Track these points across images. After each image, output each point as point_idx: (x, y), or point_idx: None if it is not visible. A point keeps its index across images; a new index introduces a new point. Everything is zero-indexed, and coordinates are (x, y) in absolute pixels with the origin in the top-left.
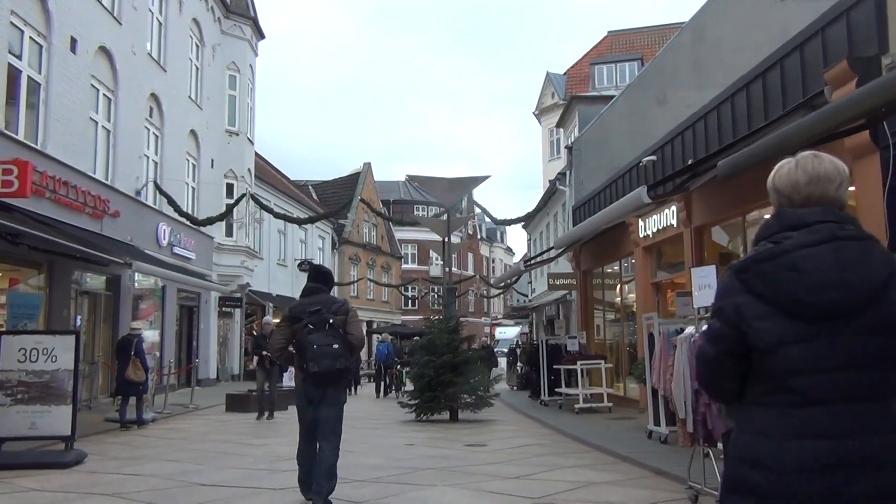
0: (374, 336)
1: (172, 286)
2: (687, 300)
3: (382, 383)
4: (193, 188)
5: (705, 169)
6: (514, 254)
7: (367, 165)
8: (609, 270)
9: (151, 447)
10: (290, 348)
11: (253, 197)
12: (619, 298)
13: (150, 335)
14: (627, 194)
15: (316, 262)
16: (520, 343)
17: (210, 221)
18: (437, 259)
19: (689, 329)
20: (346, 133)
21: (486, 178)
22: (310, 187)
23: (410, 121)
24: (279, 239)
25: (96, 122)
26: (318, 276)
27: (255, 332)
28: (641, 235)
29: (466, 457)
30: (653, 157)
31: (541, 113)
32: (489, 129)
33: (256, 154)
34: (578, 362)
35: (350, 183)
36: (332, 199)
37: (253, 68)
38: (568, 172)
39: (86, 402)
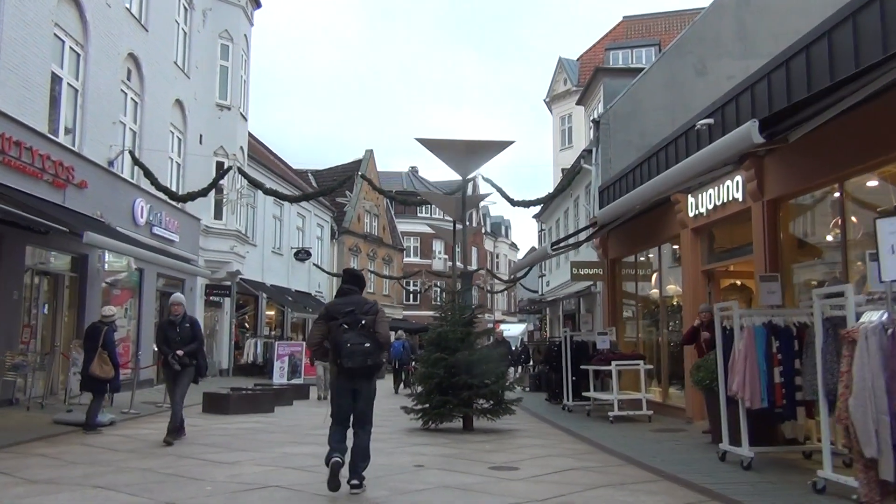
0: None
1: (151, 270)
2: (773, 286)
3: (400, 380)
4: (178, 164)
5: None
6: (518, 249)
7: (370, 153)
8: (642, 259)
9: (86, 463)
10: (325, 344)
11: (241, 170)
12: (655, 290)
13: (123, 324)
14: (728, 134)
15: (312, 250)
16: (524, 341)
17: (191, 197)
18: (440, 252)
19: (875, 316)
20: (345, 128)
21: (510, 143)
22: (309, 174)
23: (410, 115)
24: (274, 225)
25: (60, 79)
26: (352, 279)
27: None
28: (691, 215)
29: (496, 489)
30: (709, 120)
31: (552, 100)
32: (491, 124)
33: (252, 136)
34: (613, 362)
35: (352, 170)
36: (333, 194)
37: (248, 38)
38: (594, 150)
39: (39, 399)
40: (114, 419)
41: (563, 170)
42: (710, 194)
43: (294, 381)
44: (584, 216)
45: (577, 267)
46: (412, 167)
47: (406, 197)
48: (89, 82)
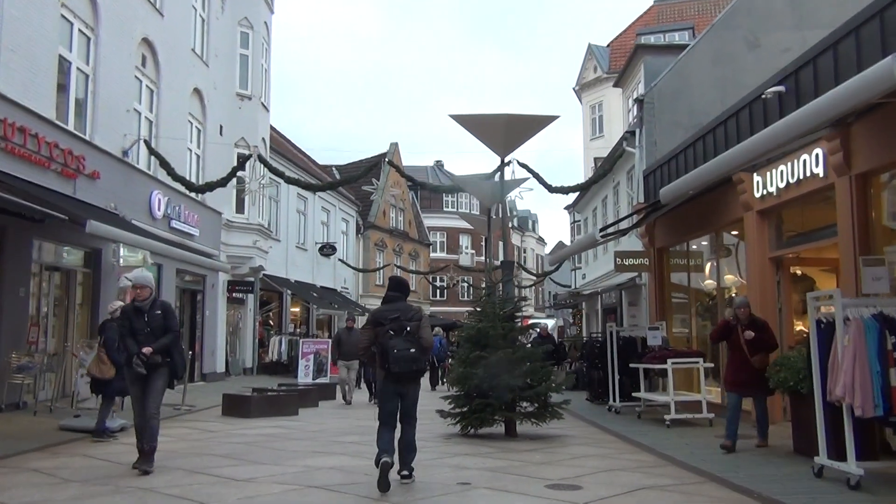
0: None
1: (170, 266)
2: (880, 271)
3: (437, 377)
4: (198, 156)
5: None
6: (545, 244)
7: (395, 146)
8: (694, 248)
9: (81, 481)
10: (373, 349)
11: (261, 158)
12: (710, 281)
13: None
14: (856, 76)
15: (337, 245)
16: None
17: (210, 187)
18: (467, 248)
19: None
20: (364, 125)
21: (554, 117)
22: (333, 169)
23: (430, 110)
24: (298, 220)
25: (69, 63)
26: (397, 287)
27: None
28: (757, 195)
29: None
30: (780, 88)
31: (582, 88)
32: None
33: (274, 129)
34: (669, 360)
35: (375, 170)
36: (358, 183)
37: (268, 26)
38: (637, 131)
39: (48, 403)
40: (125, 425)
41: (595, 159)
42: (782, 171)
43: (319, 381)
44: (626, 204)
45: (620, 257)
46: (437, 161)
47: (438, 185)
48: (101, 67)
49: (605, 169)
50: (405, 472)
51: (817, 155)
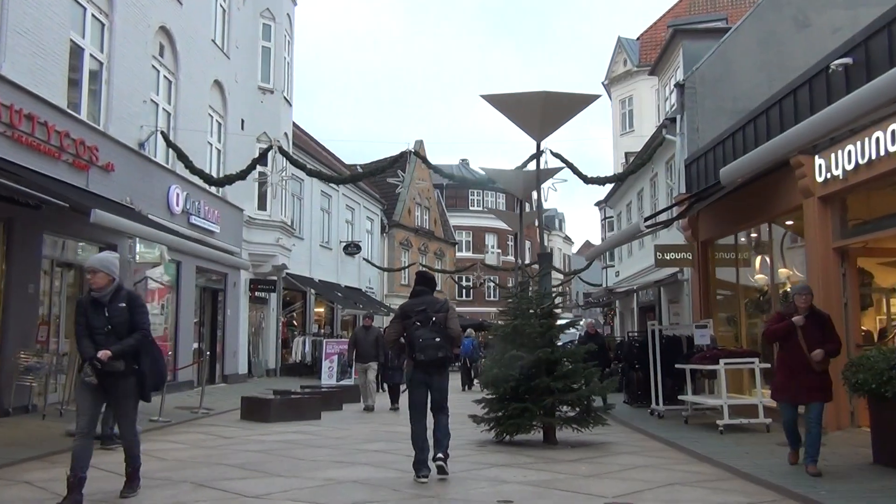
0: None
1: (190, 264)
2: None
3: (470, 378)
4: (218, 150)
5: None
6: (572, 243)
7: (419, 143)
8: (743, 240)
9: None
10: (401, 340)
11: (281, 150)
12: (760, 276)
13: (160, 322)
14: None
15: (362, 244)
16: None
17: (229, 180)
18: (493, 247)
19: None
20: (391, 126)
21: (596, 97)
22: (358, 167)
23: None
24: (322, 218)
25: (82, 49)
26: (424, 281)
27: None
28: (820, 179)
29: None
30: (847, 60)
31: (611, 83)
32: None
33: (297, 126)
34: (722, 361)
35: (401, 161)
36: (382, 180)
37: (291, 18)
38: (678, 118)
39: (58, 405)
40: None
41: (626, 154)
42: (850, 151)
43: (344, 382)
44: (665, 196)
45: (661, 251)
46: (462, 160)
47: (468, 175)
48: (115, 55)
49: (643, 158)
50: (440, 456)
51: (894, 132)
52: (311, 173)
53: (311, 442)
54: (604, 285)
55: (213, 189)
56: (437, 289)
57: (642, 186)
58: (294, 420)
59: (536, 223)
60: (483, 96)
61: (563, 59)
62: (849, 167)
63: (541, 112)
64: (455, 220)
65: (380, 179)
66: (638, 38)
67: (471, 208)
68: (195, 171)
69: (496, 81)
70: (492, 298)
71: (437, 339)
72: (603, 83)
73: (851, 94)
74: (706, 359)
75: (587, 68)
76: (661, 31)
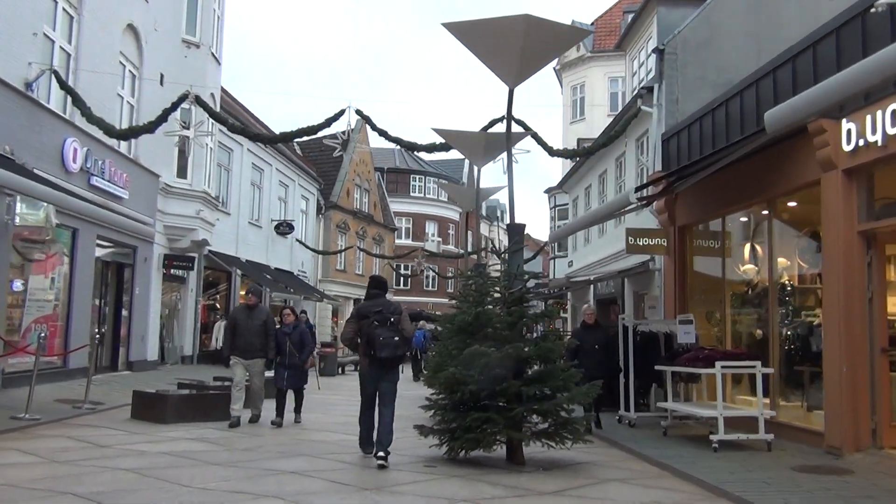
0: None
1: (89, 232)
2: None
3: (420, 368)
4: (131, 105)
5: None
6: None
7: (361, 122)
8: (731, 225)
9: None
10: (356, 339)
11: (199, 100)
12: (750, 266)
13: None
14: None
15: (296, 224)
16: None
17: (133, 132)
18: (433, 235)
19: None
20: (323, 113)
21: (588, 32)
22: (295, 144)
23: (390, 100)
24: (252, 193)
25: None
26: (378, 285)
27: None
28: (848, 148)
29: None
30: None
31: (563, 68)
32: (468, 108)
33: (227, 93)
34: (719, 364)
35: (340, 120)
36: (321, 159)
37: None
38: (656, 87)
39: None
40: None
41: (578, 141)
42: (878, 118)
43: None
44: (635, 176)
45: (634, 236)
46: (445, 23)
47: (413, 143)
48: None
49: (616, 130)
50: (381, 454)
51: None
52: (234, 129)
53: (207, 455)
54: (551, 276)
55: (122, 149)
56: (373, 274)
57: (605, 168)
58: (197, 421)
59: (509, 185)
60: (446, 25)
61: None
62: (876, 136)
63: (521, 45)
64: (395, 205)
65: (316, 155)
66: (593, 23)
67: (412, 194)
68: (93, 119)
69: (435, 69)
70: (430, 288)
71: (396, 339)
72: (554, 69)
73: None
74: (700, 360)
75: None
76: (617, 17)
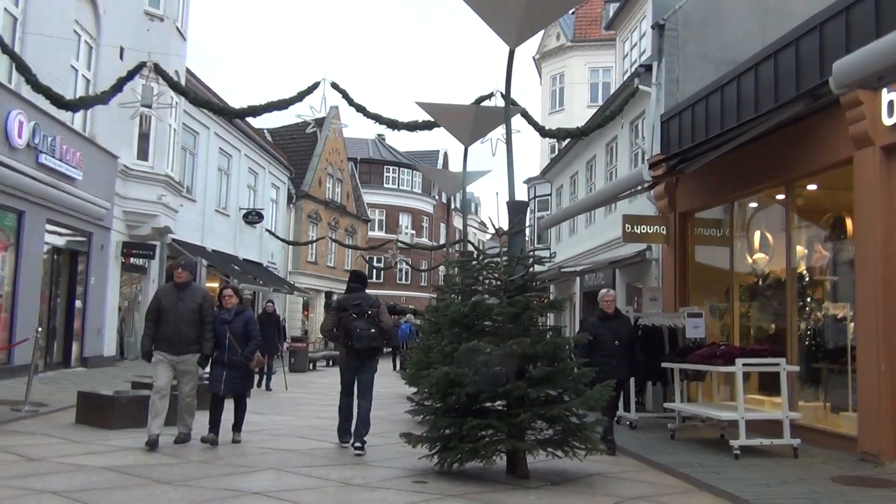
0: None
1: (38, 216)
2: None
3: (401, 358)
4: (87, 79)
5: None
6: (487, 229)
7: (335, 109)
8: (737, 212)
9: None
10: (335, 331)
11: (158, 68)
12: (760, 254)
13: None
14: None
15: (265, 213)
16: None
17: (84, 102)
18: (407, 227)
19: None
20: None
21: None
22: (265, 131)
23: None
24: (219, 179)
25: None
26: (358, 279)
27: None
28: (889, 122)
29: None
30: None
31: (542, 57)
32: (453, 90)
33: (192, 74)
34: (739, 361)
35: (312, 94)
36: (293, 147)
37: None
38: (654, 65)
39: None
40: None
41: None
42: None
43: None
44: (629, 161)
45: (631, 223)
46: (379, 135)
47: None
48: None
49: (613, 111)
50: (358, 445)
51: None
52: (196, 102)
53: (157, 471)
54: (532, 268)
55: (77, 126)
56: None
57: (594, 153)
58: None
59: (508, 158)
60: None
61: (488, 31)
62: None
63: (524, 1)
64: (369, 197)
65: (287, 142)
66: (573, 12)
67: (385, 185)
68: (40, 87)
69: (408, 57)
70: (404, 282)
71: (372, 331)
72: (533, 57)
73: None
74: (717, 357)
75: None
76: (599, 7)
